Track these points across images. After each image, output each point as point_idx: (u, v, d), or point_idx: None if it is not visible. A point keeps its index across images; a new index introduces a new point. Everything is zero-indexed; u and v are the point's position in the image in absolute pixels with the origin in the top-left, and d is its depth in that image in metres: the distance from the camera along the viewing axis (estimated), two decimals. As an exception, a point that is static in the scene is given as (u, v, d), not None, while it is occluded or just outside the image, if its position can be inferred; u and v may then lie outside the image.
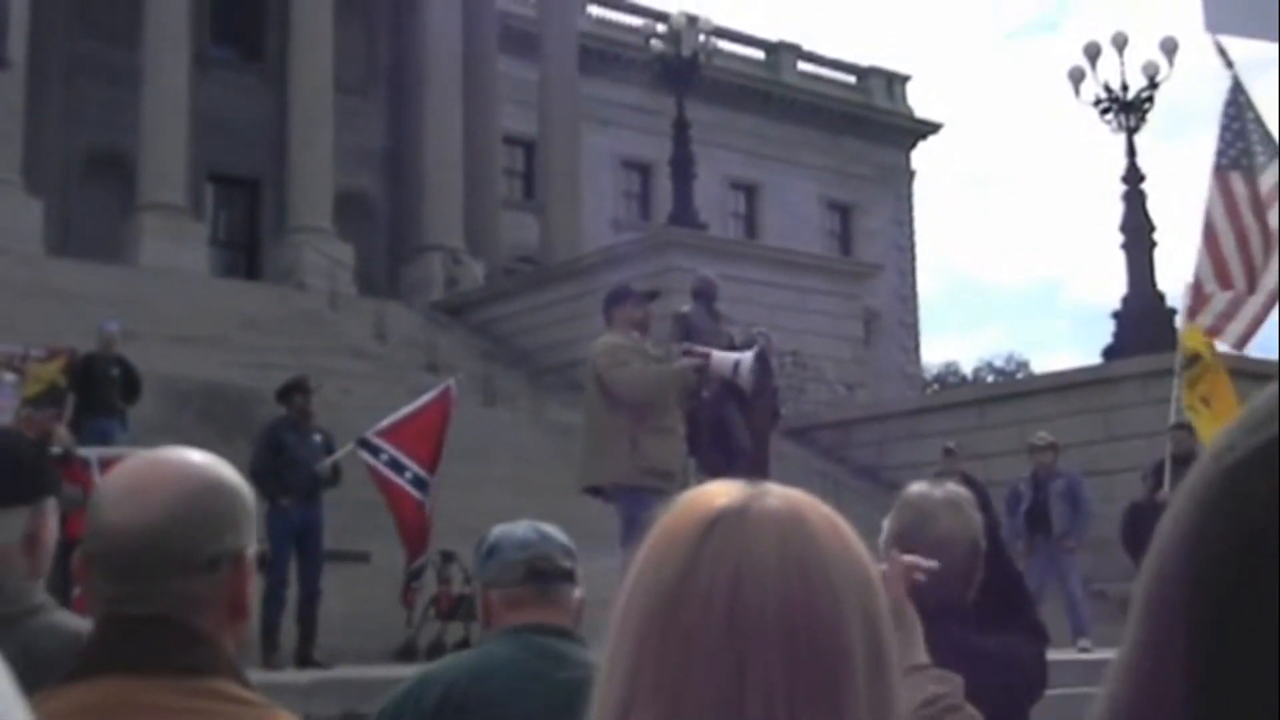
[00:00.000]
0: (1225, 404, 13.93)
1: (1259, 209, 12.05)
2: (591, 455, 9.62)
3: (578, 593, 3.42)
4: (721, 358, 9.95)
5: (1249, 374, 17.84)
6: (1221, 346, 13.74)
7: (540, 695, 3.18)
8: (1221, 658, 0.78)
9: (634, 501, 9.18)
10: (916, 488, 3.37)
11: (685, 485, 9.26)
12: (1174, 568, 0.81)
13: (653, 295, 10.12)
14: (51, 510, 2.78)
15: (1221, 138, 12.25)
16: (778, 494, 1.12)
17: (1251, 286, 12.21)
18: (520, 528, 3.45)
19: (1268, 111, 12.19)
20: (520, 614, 3.34)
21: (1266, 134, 12.16)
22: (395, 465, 11.83)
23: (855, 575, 1.09)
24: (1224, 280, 12.34)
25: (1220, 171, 12.22)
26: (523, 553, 3.36)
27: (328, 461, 12.24)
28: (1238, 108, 12.18)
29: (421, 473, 11.82)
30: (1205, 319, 12.70)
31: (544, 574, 3.34)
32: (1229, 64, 11.96)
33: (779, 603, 1.04)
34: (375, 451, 11.92)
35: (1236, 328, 12.56)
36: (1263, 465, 0.78)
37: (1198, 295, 12.60)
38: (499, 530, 3.47)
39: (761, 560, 1.06)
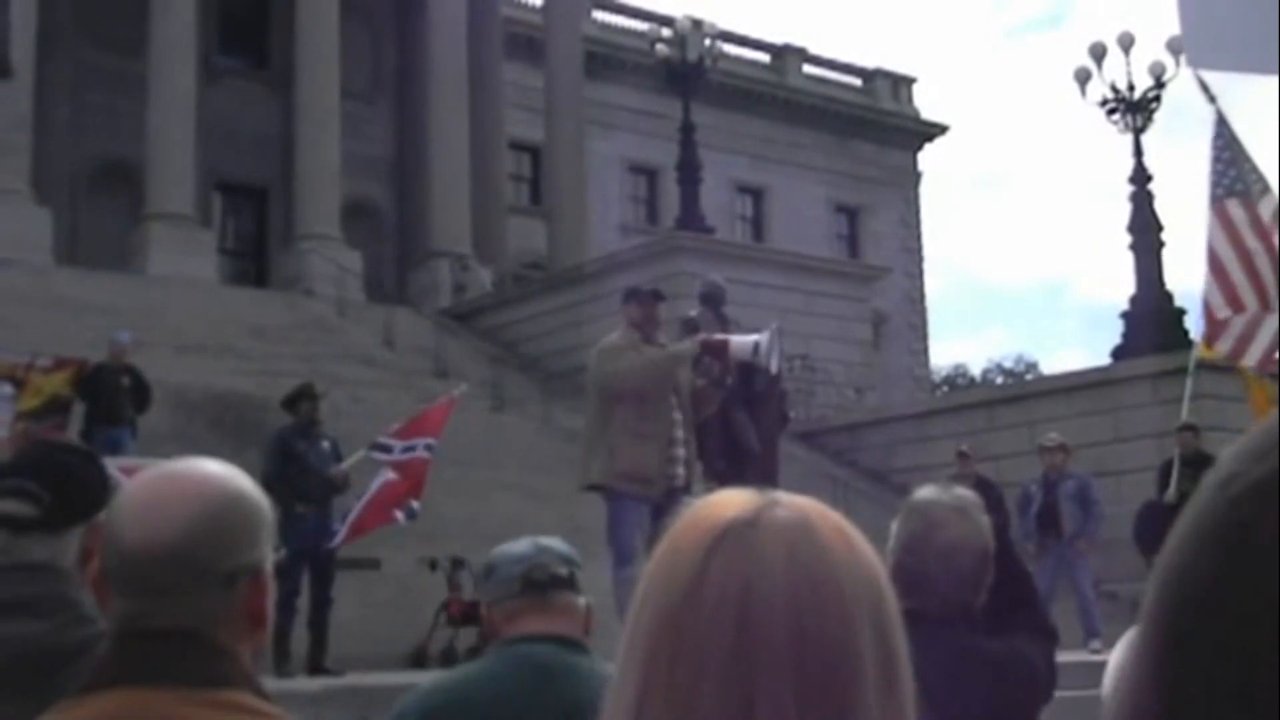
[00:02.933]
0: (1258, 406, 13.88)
1: (1262, 232, 11.98)
2: (583, 457, 9.90)
3: (583, 600, 3.39)
4: (740, 341, 9.90)
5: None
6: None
7: (521, 711, 3.17)
8: (1222, 689, 0.77)
9: (613, 503, 9.46)
10: (923, 493, 3.35)
11: (688, 490, 9.33)
12: (1176, 596, 0.80)
13: (658, 296, 10.14)
14: (104, 522, 2.75)
15: (1213, 169, 12.17)
16: (787, 503, 1.10)
17: (1265, 304, 12.14)
18: (518, 544, 3.46)
19: (1258, 139, 12.11)
20: (517, 625, 3.32)
21: (1254, 166, 12.11)
22: (407, 450, 12.45)
23: (866, 586, 1.08)
24: (1236, 305, 12.27)
25: (1217, 203, 12.15)
26: (519, 565, 3.36)
27: (344, 465, 12.26)
28: (1225, 139, 12.12)
29: (429, 442, 12.50)
30: (1225, 344, 12.62)
31: (539, 583, 3.32)
32: (1212, 99, 11.90)
33: (788, 617, 1.03)
34: (386, 450, 12.40)
35: (1256, 350, 12.48)
36: (1268, 494, 0.76)
37: (1212, 322, 12.53)
38: (497, 550, 3.48)
39: (770, 573, 1.05)
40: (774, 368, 10.38)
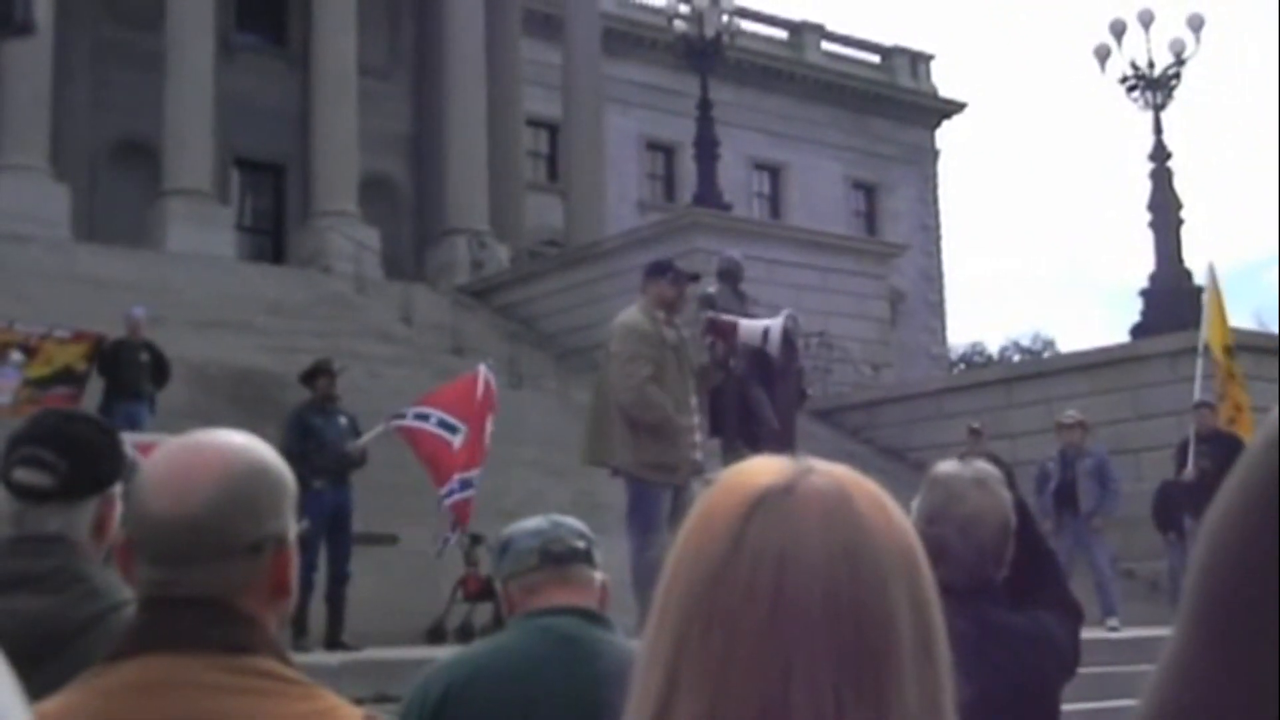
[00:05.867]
0: (1231, 406, 13.89)
1: None
2: (595, 435, 9.57)
3: (599, 575, 3.38)
4: (750, 326, 9.85)
5: (1258, 349, 17.93)
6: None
7: (547, 683, 3.15)
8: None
9: (635, 490, 9.23)
10: (945, 466, 3.35)
11: (701, 470, 9.24)
12: (1229, 560, 0.79)
13: (694, 278, 9.97)
14: (118, 494, 2.71)
15: None
16: (823, 471, 1.08)
17: None
18: (531, 520, 3.45)
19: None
20: (537, 598, 3.30)
21: None
22: (420, 417, 12.35)
23: (902, 557, 1.06)
24: None
25: None
26: (535, 539, 3.34)
27: (360, 442, 12.28)
28: None
29: (449, 418, 12.21)
30: None
31: (557, 555, 3.31)
32: None
33: (825, 590, 1.01)
34: (401, 416, 12.38)
35: None
36: None
37: None
38: (511, 527, 3.47)
39: (806, 545, 1.02)
40: (777, 355, 10.33)
